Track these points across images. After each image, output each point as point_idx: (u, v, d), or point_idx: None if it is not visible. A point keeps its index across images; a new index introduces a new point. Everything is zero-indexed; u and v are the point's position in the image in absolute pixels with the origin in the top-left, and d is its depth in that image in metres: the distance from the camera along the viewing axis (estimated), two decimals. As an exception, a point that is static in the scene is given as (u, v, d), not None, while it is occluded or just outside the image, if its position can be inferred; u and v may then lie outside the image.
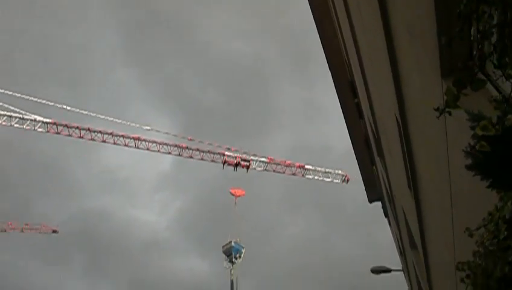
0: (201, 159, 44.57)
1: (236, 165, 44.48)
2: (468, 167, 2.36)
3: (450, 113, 2.29)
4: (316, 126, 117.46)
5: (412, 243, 10.06)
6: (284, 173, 46.24)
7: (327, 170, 47.06)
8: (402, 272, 15.86)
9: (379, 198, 16.43)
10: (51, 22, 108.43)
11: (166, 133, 45.71)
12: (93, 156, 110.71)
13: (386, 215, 16.77)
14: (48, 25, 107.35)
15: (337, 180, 47.47)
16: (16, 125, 41.69)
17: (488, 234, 1.89)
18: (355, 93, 13.15)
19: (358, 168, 15.60)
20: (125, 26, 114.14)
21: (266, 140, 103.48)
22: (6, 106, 41.30)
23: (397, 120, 6.64)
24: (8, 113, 41.25)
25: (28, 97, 42.80)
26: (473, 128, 2.52)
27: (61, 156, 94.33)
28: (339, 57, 13.42)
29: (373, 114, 9.88)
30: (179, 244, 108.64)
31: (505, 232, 1.79)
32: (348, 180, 47.21)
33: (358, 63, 9.90)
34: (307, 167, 46.63)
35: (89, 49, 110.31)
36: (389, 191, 11.94)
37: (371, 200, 16.80)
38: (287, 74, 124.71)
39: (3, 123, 41.25)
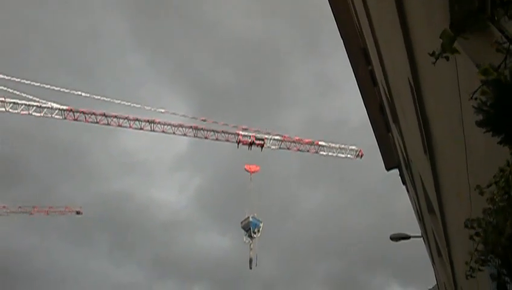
0: (216, 139, 45.10)
1: (251, 144, 45.12)
2: (479, 123, 2.29)
3: (447, 58, 2.21)
4: (330, 100, 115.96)
5: (430, 207, 10.00)
6: (298, 150, 46.78)
7: (340, 146, 47.28)
8: (421, 239, 15.86)
9: (396, 165, 16.31)
10: (59, 10, 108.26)
11: (182, 115, 46.11)
12: (112, 140, 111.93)
13: (403, 182, 16.67)
14: (56, 13, 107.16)
15: (350, 156, 47.66)
16: (34, 113, 42.58)
17: (499, 190, 1.85)
18: (368, 61, 12.91)
19: (374, 136, 15.45)
20: (132, 10, 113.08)
21: (280, 117, 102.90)
22: (24, 95, 42.17)
23: (410, 83, 6.52)
24: (27, 102, 42.13)
25: (44, 85, 43.46)
26: (483, 82, 2.44)
27: (81, 142, 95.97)
28: (351, 24, 13.13)
29: (386, 79, 9.71)
30: (199, 222, 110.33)
31: (516, 187, 1.74)
32: (361, 156, 47.43)
33: (369, 28, 9.68)
34: (320, 143, 46.92)
35: (98, 36, 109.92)
36: (405, 157, 11.83)
37: (388, 168, 16.68)
38: (298, 49, 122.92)
39: (22, 112, 42.22)
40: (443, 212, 8.01)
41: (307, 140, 46.94)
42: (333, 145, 46.92)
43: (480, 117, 2.30)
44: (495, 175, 1.99)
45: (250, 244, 43.35)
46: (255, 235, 43.06)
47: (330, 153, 47.03)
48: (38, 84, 43.20)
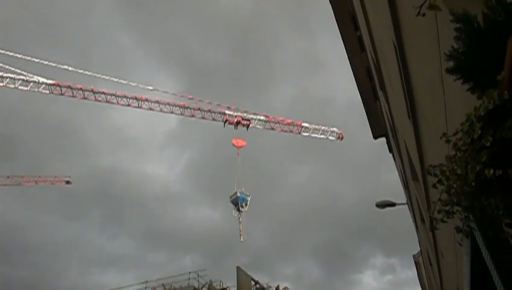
0: (203, 118, 46.15)
1: (237, 123, 46.41)
2: (450, 70, 2.21)
3: (423, 15, 2.11)
4: (318, 79, 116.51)
5: (414, 174, 10.04)
6: (282, 130, 48.33)
7: (323, 128, 48.85)
8: (406, 207, 16.04)
9: (383, 134, 16.32)
10: None
11: (168, 92, 46.74)
12: (103, 117, 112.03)
13: (390, 150, 16.73)
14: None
15: (332, 138, 49.34)
16: (20, 87, 42.04)
17: (463, 135, 1.78)
18: (356, 26, 12.70)
19: (362, 104, 15.37)
20: None
21: (268, 96, 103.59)
22: (8, 67, 41.55)
23: (394, 45, 6.40)
24: (12, 75, 41.50)
25: (30, 58, 42.86)
26: (456, 29, 2.34)
27: (72, 118, 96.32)
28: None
29: (373, 44, 9.56)
30: (190, 195, 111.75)
31: (479, 131, 1.67)
32: (342, 138, 49.25)
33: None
34: (303, 124, 48.40)
35: (87, 15, 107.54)
36: (391, 125, 11.81)
37: (375, 136, 16.70)
38: (287, 28, 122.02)
39: (8, 85, 41.66)
40: (426, 179, 8.02)
41: (289, 121, 48.30)
42: (315, 126, 48.65)
43: (451, 64, 2.22)
44: (462, 123, 1.91)
45: (239, 218, 44.52)
46: (243, 209, 44.20)
47: (312, 135, 48.82)
48: (25, 57, 42.70)
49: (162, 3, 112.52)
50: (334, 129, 49.21)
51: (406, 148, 9.61)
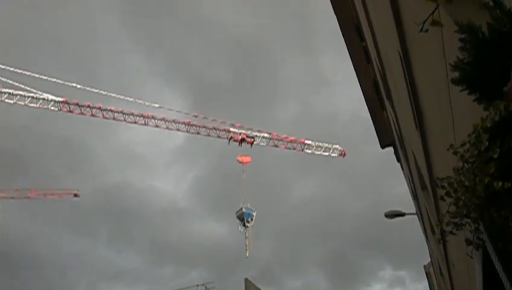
0: (208, 135, 47.14)
1: (242, 141, 47.44)
2: (455, 81, 2.20)
3: (426, 31, 2.11)
4: (321, 95, 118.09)
5: (423, 184, 9.96)
6: (285, 148, 49.25)
7: (325, 145, 49.62)
8: (414, 218, 15.89)
9: (391, 143, 16.24)
10: (57, 10, 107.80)
11: (174, 110, 47.75)
12: (111, 134, 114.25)
13: (398, 160, 16.63)
14: (54, 12, 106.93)
15: (334, 155, 50.09)
16: (30, 104, 42.82)
17: (470, 146, 1.76)
18: (361, 37, 12.72)
19: (369, 114, 15.34)
20: (128, 9, 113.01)
21: (272, 113, 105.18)
22: (18, 85, 42.33)
23: (400, 56, 6.39)
24: (22, 93, 42.23)
25: (39, 76, 43.67)
26: (461, 40, 2.34)
27: (81, 137, 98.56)
28: (344, 1, 12.88)
29: (379, 55, 9.56)
30: (196, 210, 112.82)
31: (486, 143, 1.65)
32: (344, 155, 50.04)
33: (362, 4, 9.49)
34: (306, 142, 49.23)
35: (95, 34, 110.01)
36: (399, 134, 11.76)
37: (383, 146, 16.61)
38: (290, 46, 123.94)
39: (19, 102, 42.48)
40: (435, 189, 7.95)
41: (292, 138, 49.23)
42: (318, 144, 49.49)
43: (456, 75, 2.21)
44: (469, 134, 1.90)
45: (245, 233, 45.12)
46: (248, 225, 44.78)
47: (316, 152, 49.68)
48: (35, 75, 43.51)
49: (167, 24, 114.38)
50: (337, 146, 50.14)
51: (414, 157, 9.55)
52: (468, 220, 2.02)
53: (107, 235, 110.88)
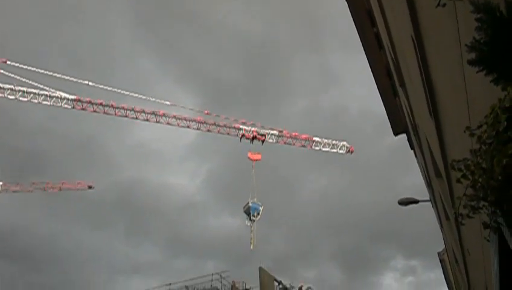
0: (218, 132, 48.22)
1: (253, 138, 48.72)
2: (472, 62, 2.16)
3: (444, 5, 2.07)
4: (330, 91, 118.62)
5: (437, 171, 9.87)
6: (294, 145, 50.35)
7: (333, 142, 50.65)
8: (428, 206, 15.79)
9: (403, 131, 16.10)
10: (70, 20, 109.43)
11: (187, 108, 48.76)
12: (126, 132, 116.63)
13: (411, 147, 16.49)
14: (68, 24, 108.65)
15: (341, 151, 50.96)
16: (43, 102, 43.43)
17: (488, 127, 1.72)
18: (373, 23, 12.56)
19: (382, 101, 15.19)
20: (139, 14, 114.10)
21: (282, 110, 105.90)
22: (32, 83, 42.95)
23: (413, 40, 6.30)
24: (35, 90, 42.82)
25: (52, 74, 44.38)
26: (478, 20, 2.29)
27: (97, 134, 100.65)
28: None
29: (391, 41, 9.44)
30: (211, 204, 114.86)
31: (505, 123, 1.62)
32: (352, 152, 51.02)
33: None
34: (314, 138, 50.26)
35: (107, 42, 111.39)
36: (412, 122, 11.64)
37: (395, 133, 16.47)
38: (299, 45, 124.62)
39: (32, 100, 43.10)
40: (449, 175, 7.88)
41: (300, 135, 50.27)
42: (326, 141, 50.51)
43: (473, 56, 2.17)
44: (486, 115, 1.86)
45: (251, 227, 45.85)
46: (254, 219, 45.55)
47: (324, 149, 50.63)
48: (48, 72, 44.22)
49: (179, 26, 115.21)
50: (344, 143, 51.00)
51: (428, 144, 9.46)
52: (485, 203, 1.99)
53: (124, 229, 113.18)
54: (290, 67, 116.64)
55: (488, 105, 3.47)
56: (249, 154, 49.51)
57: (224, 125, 48.00)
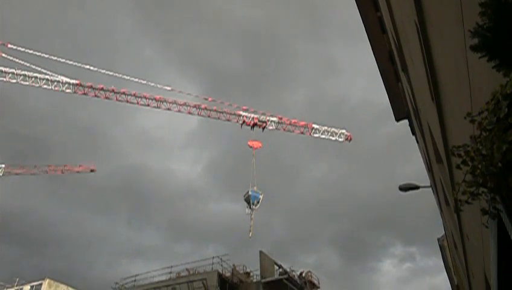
0: (218, 118, 48.23)
1: (254, 125, 48.85)
2: (474, 48, 2.14)
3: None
4: (330, 81, 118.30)
5: (438, 157, 9.87)
6: (293, 131, 50.46)
7: (332, 130, 50.88)
8: (429, 189, 15.81)
9: (405, 116, 16.06)
10: (73, 8, 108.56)
11: (184, 93, 48.56)
12: (129, 119, 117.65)
13: (413, 133, 16.47)
14: (71, 10, 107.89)
15: (340, 139, 51.16)
16: (44, 86, 43.32)
17: (489, 113, 1.71)
18: (376, 7, 12.43)
19: (384, 86, 15.12)
20: (140, 1, 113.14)
21: (283, 98, 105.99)
22: (33, 66, 42.84)
23: (416, 26, 6.24)
24: (36, 75, 42.75)
25: (55, 58, 44.30)
26: (482, 5, 2.26)
27: (100, 120, 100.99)
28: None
29: (394, 25, 9.35)
30: (212, 190, 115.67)
31: (506, 110, 1.61)
32: (350, 139, 51.26)
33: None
34: (313, 126, 50.39)
35: (109, 30, 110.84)
36: (414, 107, 11.60)
37: (397, 119, 16.43)
38: (301, 34, 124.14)
39: (33, 84, 43.00)
40: (450, 161, 7.88)
41: (300, 122, 50.26)
42: (325, 128, 50.70)
43: (476, 41, 2.14)
44: (487, 101, 1.85)
45: (250, 215, 46.14)
46: (254, 207, 45.90)
47: (322, 136, 50.76)
48: (51, 57, 44.11)
49: (180, 15, 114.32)
50: (343, 131, 51.19)
51: (429, 129, 9.44)
52: (485, 190, 1.99)
53: (127, 214, 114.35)
54: (291, 56, 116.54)
55: (490, 91, 3.45)
56: (249, 142, 49.66)
57: (225, 112, 48.12)
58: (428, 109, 8.56)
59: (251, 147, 49.47)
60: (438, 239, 23.76)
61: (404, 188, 15.44)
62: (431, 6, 5.27)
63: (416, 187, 15.48)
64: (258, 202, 46.30)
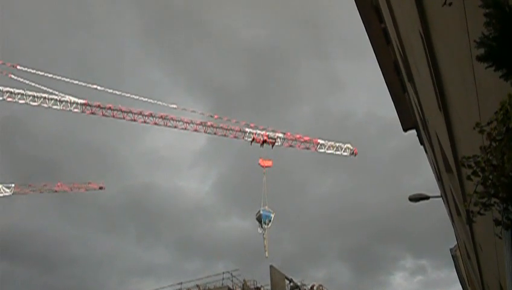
0: (225, 135, 48.58)
1: (264, 142, 49.07)
2: (480, 58, 2.13)
3: (450, 4, 2.04)
4: (335, 97, 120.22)
5: (447, 166, 9.79)
6: (299, 147, 50.74)
7: (337, 144, 51.24)
8: (439, 200, 15.67)
9: (413, 126, 15.99)
10: (83, 15, 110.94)
11: (195, 112, 49.14)
12: (137, 138, 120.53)
13: (421, 142, 16.38)
14: (79, 33, 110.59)
15: (345, 154, 51.56)
16: (53, 107, 43.84)
17: (498, 124, 1.70)
18: (380, 18, 12.48)
19: (390, 97, 15.09)
20: (146, 24, 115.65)
21: (288, 115, 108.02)
22: (42, 87, 43.40)
23: (421, 36, 6.25)
24: (45, 95, 43.29)
25: (62, 78, 44.86)
26: (486, 15, 2.26)
27: (109, 140, 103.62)
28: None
29: (399, 36, 9.38)
30: (221, 208, 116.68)
31: (515, 119, 1.60)
32: (356, 154, 51.66)
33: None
34: (319, 141, 50.74)
35: (116, 50, 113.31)
36: (421, 117, 11.56)
37: (405, 129, 16.36)
38: (305, 51, 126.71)
39: (42, 104, 43.53)
40: (460, 171, 7.81)
41: (307, 138, 50.70)
42: (331, 143, 51.09)
43: (481, 51, 2.14)
44: (496, 111, 1.84)
45: (263, 234, 46.12)
46: (266, 226, 45.91)
47: (328, 151, 51.20)
48: (58, 77, 44.69)
49: (185, 35, 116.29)
50: (348, 146, 51.49)
51: (438, 139, 9.39)
52: (497, 200, 1.97)
53: (136, 233, 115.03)
54: (295, 72, 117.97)
55: (498, 100, 3.43)
56: (260, 161, 49.46)
57: (232, 129, 48.36)
58: (436, 119, 8.52)
59: (262, 166, 49.39)
60: (451, 249, 23.44)
61: (414, 199, 15.31)
62: (435, 16, 5.29)
63: (427, 197, 15.34)
64: (269, 221, 46.21)
